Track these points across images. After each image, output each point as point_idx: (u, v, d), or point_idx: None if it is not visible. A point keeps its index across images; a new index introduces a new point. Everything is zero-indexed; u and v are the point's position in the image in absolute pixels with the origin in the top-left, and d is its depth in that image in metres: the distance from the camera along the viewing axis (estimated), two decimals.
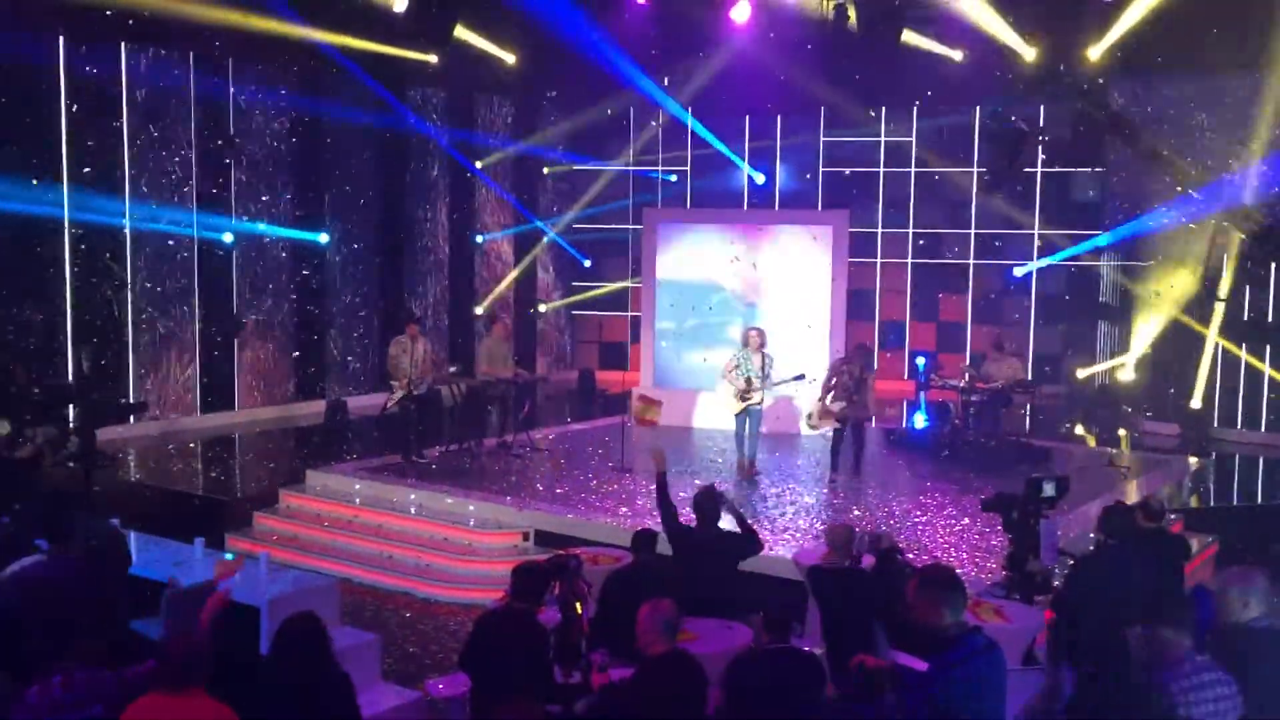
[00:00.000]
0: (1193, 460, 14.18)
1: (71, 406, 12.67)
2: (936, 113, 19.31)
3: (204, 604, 5.83)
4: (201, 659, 4.52)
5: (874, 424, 14.03)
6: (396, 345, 12.90)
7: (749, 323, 14.37)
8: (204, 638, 4.93)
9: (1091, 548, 8.18)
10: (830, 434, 12.46)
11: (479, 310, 19.44)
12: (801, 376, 12.69)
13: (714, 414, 14.30)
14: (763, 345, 12.55)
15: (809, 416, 12.57)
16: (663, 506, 7.87)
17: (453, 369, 14.10)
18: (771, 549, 9.55)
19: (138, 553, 7.80)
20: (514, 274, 20.29)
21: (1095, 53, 16.09)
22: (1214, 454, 14.67)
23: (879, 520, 10.54)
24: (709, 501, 7.68)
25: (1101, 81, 16.09)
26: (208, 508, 11.62)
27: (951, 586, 4.60)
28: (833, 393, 12.14)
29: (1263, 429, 15.55)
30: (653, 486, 11.66)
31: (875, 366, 13.83)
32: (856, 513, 10.85)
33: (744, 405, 12.46)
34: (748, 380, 12.39)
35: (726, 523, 7.70)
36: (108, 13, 13.34)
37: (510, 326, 14.34)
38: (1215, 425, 15.78)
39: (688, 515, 7.84)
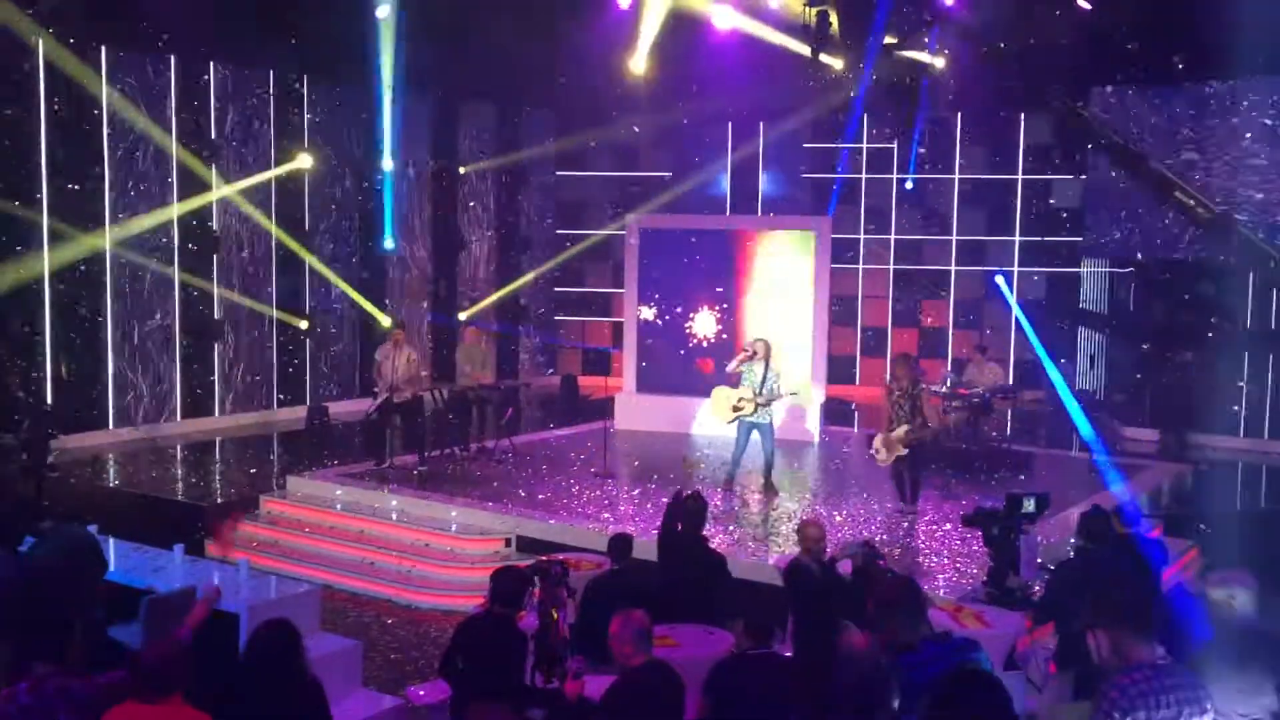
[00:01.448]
0: (1172, 466, 14.26)
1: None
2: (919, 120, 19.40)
3: (186, 612, 5.80)
4: (179, 667, 4.48)
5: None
6: (380, 351, 12.99)
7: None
8: (183, 645, 4.88)
9: (1071, 553, 8.23)
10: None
11: (462, 317, 19.41)
12: (795, 393, 12.30)
13: (704, 420, 14.29)
14: (768, 356, 11.82)
15: (875, 451, 11.15)
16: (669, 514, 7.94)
17: (423, 374, 13.84)
18: (754, 555, 9.61)
19: (117, 559, 7.77)
20: (500, 293, 20.30)
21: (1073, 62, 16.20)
22: (1194, 460, 14.77)
23: (861, 525, 10.57)
24: (697, 506, 7.74)
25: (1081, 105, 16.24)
26: (188, 514, 11.56)
27: (900, 605, 4.68)
28: (890, 420, 10.94)
29: (1241, 435, 15.71)
30: (635, 491, 11.79)
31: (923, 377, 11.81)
32: (839, 518, 10.87)
33: (734, 416, 11.84)
34: (745, 399, 11.69)
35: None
36: (88, 15, 13.32)
37: (479, 331, 14.37)
38: (1195, 431, 15.89)
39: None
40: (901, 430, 10.78)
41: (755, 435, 11.84)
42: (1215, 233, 12.84)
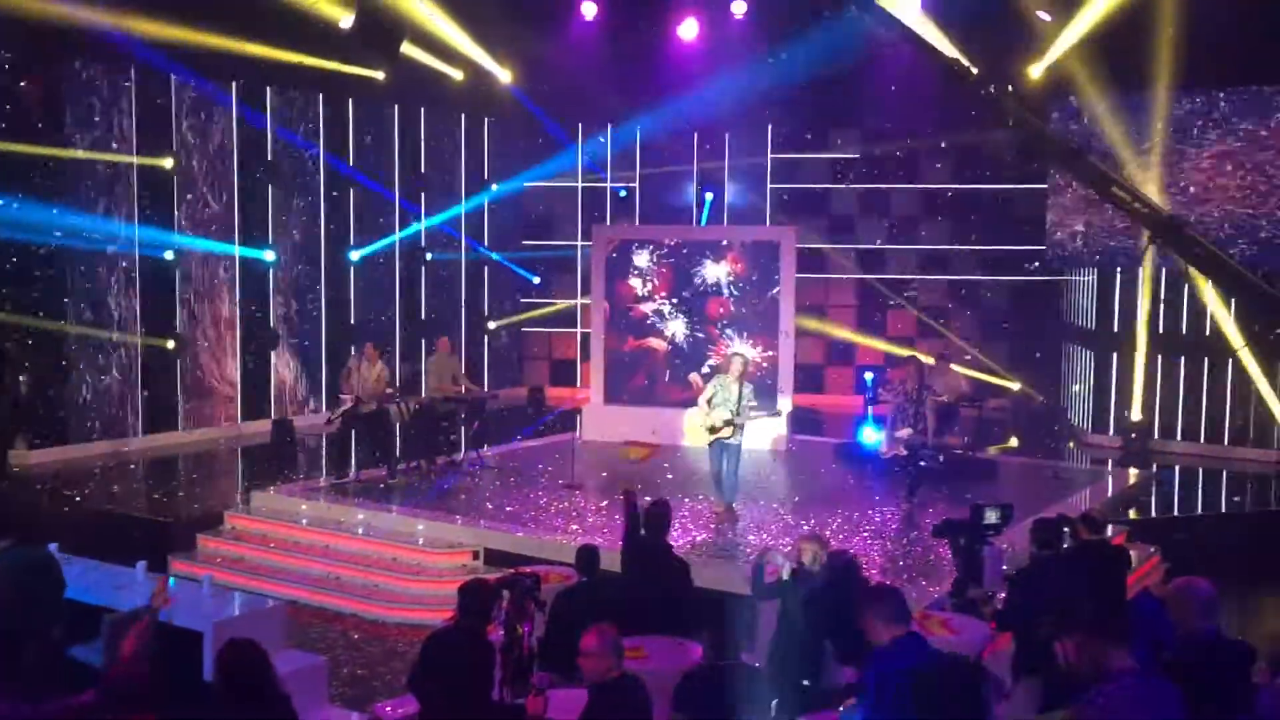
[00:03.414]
0: (1134, 472, 14.39)
1: None
2: (881, 130, 19.57)
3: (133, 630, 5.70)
4: (143, 686, 4.42)
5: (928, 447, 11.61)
6: (351, 360, 13.25)
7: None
8: (131, 665, 4.73)
9: (1027, 561, 8.30)
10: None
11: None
12: (778, 413, 12.13)
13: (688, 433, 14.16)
14: (744, 374, 11.21)
15: (880, 445, 11.29)
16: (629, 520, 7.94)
17: (389, 390, 13.59)
18: (720, 563, 9.61)
19: (77, 577, 7.64)
20: None
21: (1036, 71, 16.32)
22: (1155, 465, 14.92)
23: (827, 534, 10.59)
24: (659, 512, 7.77)
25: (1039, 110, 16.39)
26: (150, 530, 11.42)
27: (874, 606, 4.96)
28: (897, 419, 11.12)
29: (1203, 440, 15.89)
30: (603, 503, 11.75)
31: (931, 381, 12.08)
32: (805, 527, 10.88)
33: (714, 437, 11.17)
34: (727, 421, 11.01)
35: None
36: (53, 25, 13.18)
37: (449, 343, 14.34)
38: (1156, 437, 16.06)
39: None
40: (905, 431, 11.13)
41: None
42: (1163, 237, 12.88)
